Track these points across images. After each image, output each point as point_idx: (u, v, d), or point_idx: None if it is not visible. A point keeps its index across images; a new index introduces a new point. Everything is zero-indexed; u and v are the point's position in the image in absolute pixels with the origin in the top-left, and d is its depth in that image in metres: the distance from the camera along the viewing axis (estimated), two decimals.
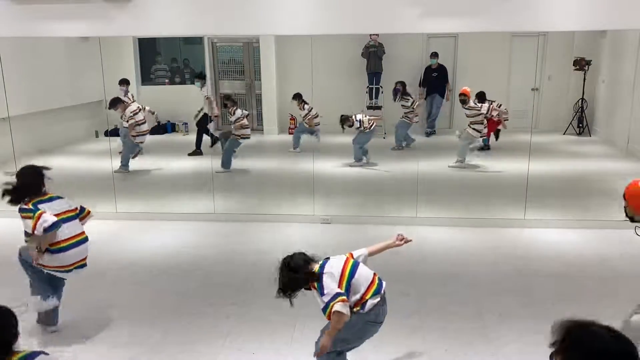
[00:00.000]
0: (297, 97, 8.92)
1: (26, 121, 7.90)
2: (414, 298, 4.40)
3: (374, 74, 9.38)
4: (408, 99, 9.00)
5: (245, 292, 4.57)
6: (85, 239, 3.88)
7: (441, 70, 9.41)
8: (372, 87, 9.40)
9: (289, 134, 9.93)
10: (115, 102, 8.16)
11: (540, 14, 5.53)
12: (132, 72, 9.70)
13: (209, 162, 7.43)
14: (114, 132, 8.59)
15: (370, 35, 9.13)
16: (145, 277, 4.85)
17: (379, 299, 2.96)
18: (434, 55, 9.31)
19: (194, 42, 10.40)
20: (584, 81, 8.92)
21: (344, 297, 2.83)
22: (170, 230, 6.12)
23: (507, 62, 8.92)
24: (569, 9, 5.53)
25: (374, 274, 3.07)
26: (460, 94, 8.21)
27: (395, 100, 9.04)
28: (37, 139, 8.40)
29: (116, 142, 8.27)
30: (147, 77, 9.89)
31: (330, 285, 2.85)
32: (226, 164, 8.28)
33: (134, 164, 8.36)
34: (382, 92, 9.24)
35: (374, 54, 9.39)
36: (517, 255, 5.39)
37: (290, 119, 9.90)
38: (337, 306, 2.78)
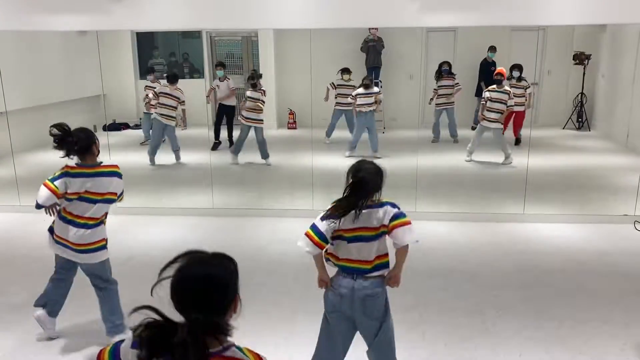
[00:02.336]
0: (348, 71, 9.04)
1: (23, 116, 7.86)
2: (413, 293, 4.39)
3: (373, 69, 9.35)
4: (454, 78, 8.90)
5: (244, 286, 4.51)
6: (85, 225, 3.72)
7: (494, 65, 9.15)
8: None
9: (288, 128, 9.90)
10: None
11: (539, 8, 5.51)
12: (130, 66, 9.67)
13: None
14: (112, 127, 8.55)
15: (370, 29, 9.09)
16: (143, 273, 4.83)
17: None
18: (492, 49, 8.96)
19: (193, 36, 10.35)
20: (584, 75, 8.88)
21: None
22: (168, 225, 6.10)
23: (507, 56, 8.87)
24: (569, 3, 5.51)
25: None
26: (498, 74, 7.90)
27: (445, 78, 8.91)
28: (35, 133, 8.35)
29: (114, 137, 8.23)
30: (145, 71, 9.86)
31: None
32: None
33: (133, 158, 8.33)
34: (381, 87, 9.20)
35: (373, 48, 9.35)
36: (517, 250, 5.38)
37: (289, 114, 9.87)
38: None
